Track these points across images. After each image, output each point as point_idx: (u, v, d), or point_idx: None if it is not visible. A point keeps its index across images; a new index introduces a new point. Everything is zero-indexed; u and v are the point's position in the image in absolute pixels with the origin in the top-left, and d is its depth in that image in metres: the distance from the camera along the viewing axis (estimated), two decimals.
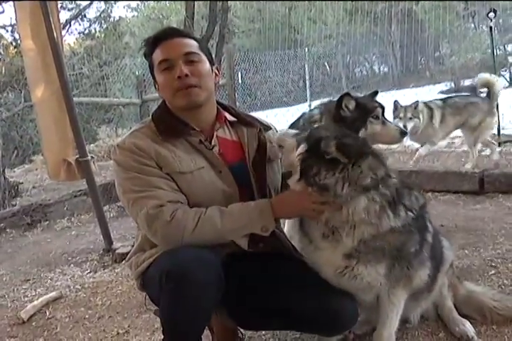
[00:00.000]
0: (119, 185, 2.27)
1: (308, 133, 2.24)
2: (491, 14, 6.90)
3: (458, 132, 6.87)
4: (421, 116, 5.70)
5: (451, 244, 2.71)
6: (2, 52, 13.83)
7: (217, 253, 2.17)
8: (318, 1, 15.66)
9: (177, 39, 2.33)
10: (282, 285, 2.27)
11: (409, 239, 2.21)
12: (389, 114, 5.42)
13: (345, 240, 2.15)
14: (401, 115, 5.64)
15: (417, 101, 5.85)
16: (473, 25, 15.74)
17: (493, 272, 3.28)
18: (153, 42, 2.34)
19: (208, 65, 2.36)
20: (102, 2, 17.62)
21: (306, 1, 16.38)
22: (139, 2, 22.91)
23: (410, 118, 5.62)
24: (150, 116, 2.41)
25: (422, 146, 6.07)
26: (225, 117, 2.45)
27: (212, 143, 2.36)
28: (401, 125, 5.42)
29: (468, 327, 2.60)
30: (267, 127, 2.54)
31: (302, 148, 2.15)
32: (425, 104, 5.90)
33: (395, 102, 5.92)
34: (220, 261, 2.13)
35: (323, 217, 2.13)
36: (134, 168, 2.20)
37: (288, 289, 2.26)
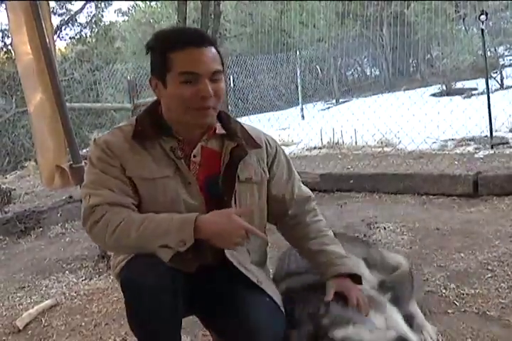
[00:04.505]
0: (84, 177, 2.21)
1: None
2: (482, 17, 6.88)
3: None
4: None
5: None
6: None
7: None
8: (309, 4, 15.69)
9: (206, 49, 2.05)
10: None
11: None
12: None
13: None
14: None
15: None
16: (463, 28, 15.79)
17: (489, 275, 3.28)
18: (180, 43, 2.04)
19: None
20: (93, 7, 17.61)
21: (298, 5, 16.41)
22: (130, 6, 22.90)
23: None
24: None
25: None
26: (215, 129, 2.22)
27: (194, 153, 2.17)
28: None
29: None
30: (257, 145, 2.27)
31: None
32: None
33: None
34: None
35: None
36: (97, 165, 2.12)
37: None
